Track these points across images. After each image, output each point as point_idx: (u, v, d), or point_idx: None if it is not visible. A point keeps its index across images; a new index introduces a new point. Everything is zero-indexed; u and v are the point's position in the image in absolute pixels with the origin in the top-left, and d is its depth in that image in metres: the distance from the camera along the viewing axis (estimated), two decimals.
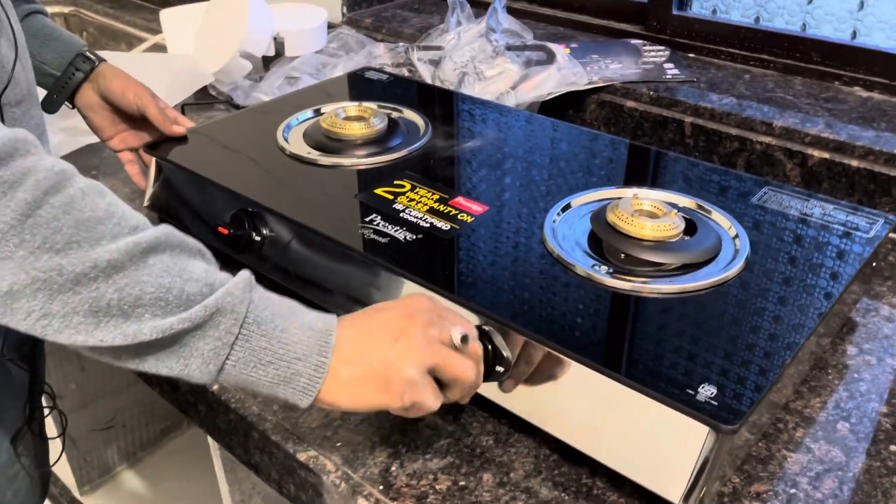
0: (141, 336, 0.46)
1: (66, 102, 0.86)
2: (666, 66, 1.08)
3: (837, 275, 0.64)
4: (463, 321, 0.56)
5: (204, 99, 1.20)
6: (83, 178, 0.48)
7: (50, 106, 0.85)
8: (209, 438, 0.78)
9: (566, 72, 1.02)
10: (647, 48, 1.14)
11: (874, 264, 0.72)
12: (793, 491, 0.56)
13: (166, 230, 0.50)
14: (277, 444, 0.60)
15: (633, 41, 1.17)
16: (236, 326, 0.49)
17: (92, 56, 0.85)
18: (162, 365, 0.48)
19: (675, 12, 1.15)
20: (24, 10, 0.82)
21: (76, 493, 1.52)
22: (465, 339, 0.54)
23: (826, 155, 0.88)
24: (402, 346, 0.51)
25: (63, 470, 1.51)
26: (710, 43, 1.13)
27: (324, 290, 0.71)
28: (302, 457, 0.58)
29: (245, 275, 0.51)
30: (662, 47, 1.14)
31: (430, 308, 0.55)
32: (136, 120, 0.87)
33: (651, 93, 1.01)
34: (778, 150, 0.91)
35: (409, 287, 0.64)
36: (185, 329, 0.47)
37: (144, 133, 0.88)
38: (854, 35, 1.04)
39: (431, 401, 0.52)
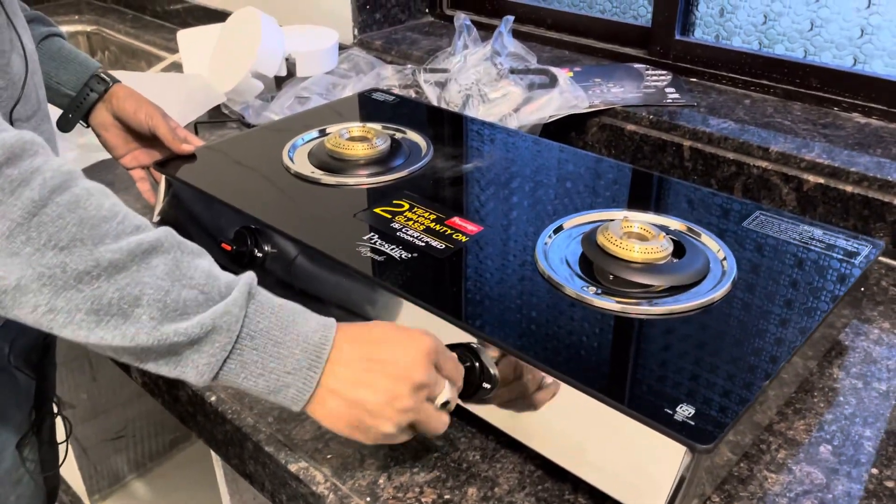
0: (138, 340, 0.48)
1: (81, 121, 0.90)
2: (667, 90, 1.10)
3: (822, 298, 0.65)
4: (455, 375, 0.58)
5: (217, 117, 1.23)
6: (89, 180, 0.50)
7: (65, 125, 0.89)
8: (213, 454, 0.80)
9: (568, 95, 1.04)
10: (649, 72, 1.16)
11: (863, 289, 0.73)
12: None
13: (168, 231, 0.52)
14: (270, 455, 0.62)
15: (636, 65, 1.19)
16: (230, 344, 0.50)
17: (106, 77, 0.89)
18: (159, 367, 0.50)
19: (677, 37, 1.17)
20: (41, 32, 0.86)
21: (86, 502, 1.55)
22: (446, 405, 0.56)
23: (821, 180, 0.90)
24: (390, 407, 0.53)
25: (74, 478, 1.53)
26: (712, 68, 1.14)
27: (323, 305, 0.73)
28: (293, 468, 0.60)
29: (246, 281, 0.53)
30: (664, 72, 1.16)
31: (429, 360, 0.55)
32: (148, 139, 0.90)
33: (651, 116, 1.03)
34: (774, 175, 0.93)
35: (404, 305, 0.66)
36: (181, 342, 0.49)
37: (155, 151, 0.91)
38: (854, 62, 1.05)
39: (400, 440, 0.57)
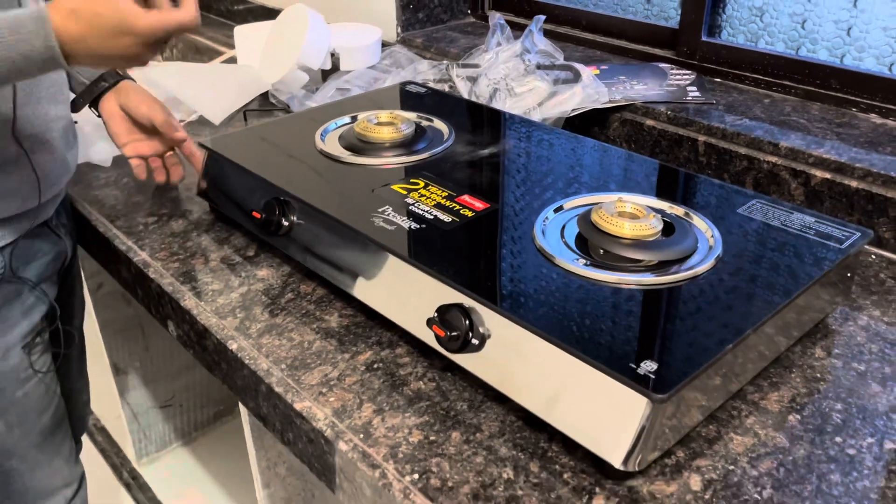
0: None
1: (92, 109, 1.00)
2: (689, 88, 1.14)
3: (799, 278, 0.69)
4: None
5: (265, 105, 1.32)
6: None
7: (75, 107, 0.99)
8: (241, 411, 0.88)
9: (590, 90, 1.09)
10: (673, 72, 1.20)
11: (850, 275, 0.76)
12: (731, 467, 0.61)
13: None
14: (279, 396, 0.69)
15: (662, 65, 1.23)
16: None
17: (120, 73, 0.99)
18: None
19: (704, 38, 1.20)
20: None
21: (135, 465, 1.66)
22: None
23: (827, 175, 0.92)
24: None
25: (124, 442, 1.65)
26: (737, 69, 1.17)
27: (340, 269, 0.80)
28: (298, 406, 0.67)
29: None
30: (688, 71, 1.20)
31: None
32: (149, 132, 1.00)
33: (669, 112, 1.07)
34: (783, 170, 0.96)
35: (408, 269, 0.72)
36: None
37: (155, 142, 1.01)
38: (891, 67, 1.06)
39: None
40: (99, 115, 1.01)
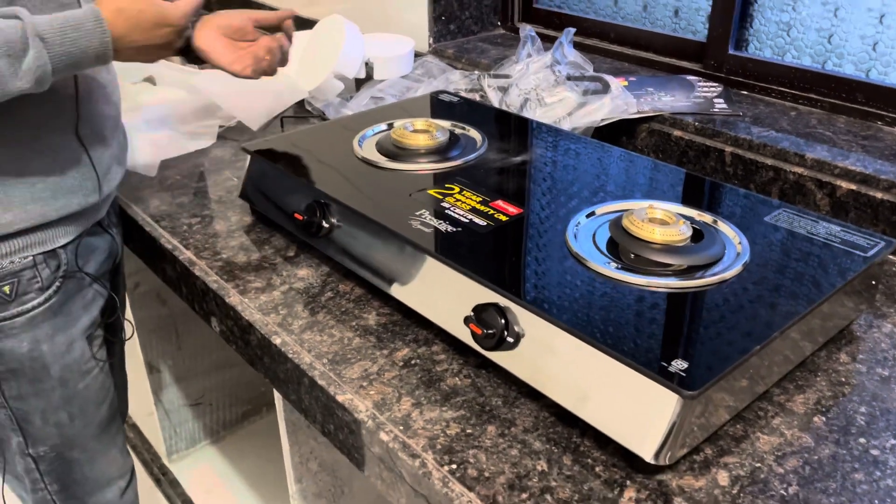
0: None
1: (182, 57, 0.98)
2: (716, 100, 1.16)
3: (823, 285, 0.71)
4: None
5: (301, 113, 1.36)
6: None
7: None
8: (277, 404, 0.92)
9: (618, 101, 1.12)
10: (701, 84, 1.22)
11: (876, 283, 0.78)
12: (758, 465, 0.63)
13: None
14: (322, 388, 0.72)
15: (690, 77, 1.25)
16: (38, 42, 0.73)
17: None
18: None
19: (731, 52, 1.23)
20: None
21: (165, 461, 1.70)
22: None
23: (853, 186, 0.94)
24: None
25: (155, 438, 1.69)
26: (763, 81, 1.20)
27: (378, 270, 0.83)
28: (340, 398, 0.70)
29: (30, 32, 0.73)
30: (716, 84, 1.22)
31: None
32: (245, 41, 0.97)
33: (696, 123, 1.10)
34: (809, 181, 0.98)
35: (445, 270, 0.75)
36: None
37: (257, 49, 0.97)
38: None
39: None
40: (187, 63, 1.04)
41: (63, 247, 0.89)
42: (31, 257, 0.86)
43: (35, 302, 0.88)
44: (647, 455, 0.61)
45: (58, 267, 0.89)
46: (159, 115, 1.24)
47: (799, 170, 0.99)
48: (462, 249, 0.77)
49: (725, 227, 0.80)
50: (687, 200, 0.86)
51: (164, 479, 1.67)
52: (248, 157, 1.01)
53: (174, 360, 1.62)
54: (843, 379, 0.73)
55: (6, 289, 0.85)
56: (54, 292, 0.89)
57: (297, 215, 0.90)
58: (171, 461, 1.70)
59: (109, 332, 1.03)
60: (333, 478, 1.06)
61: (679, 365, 0.61)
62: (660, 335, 0.64)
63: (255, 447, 1.75)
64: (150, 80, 1.37)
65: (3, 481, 1.01)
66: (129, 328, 1.09)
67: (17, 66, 0.72)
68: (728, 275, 0.72)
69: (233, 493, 1.65)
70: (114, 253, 1.00)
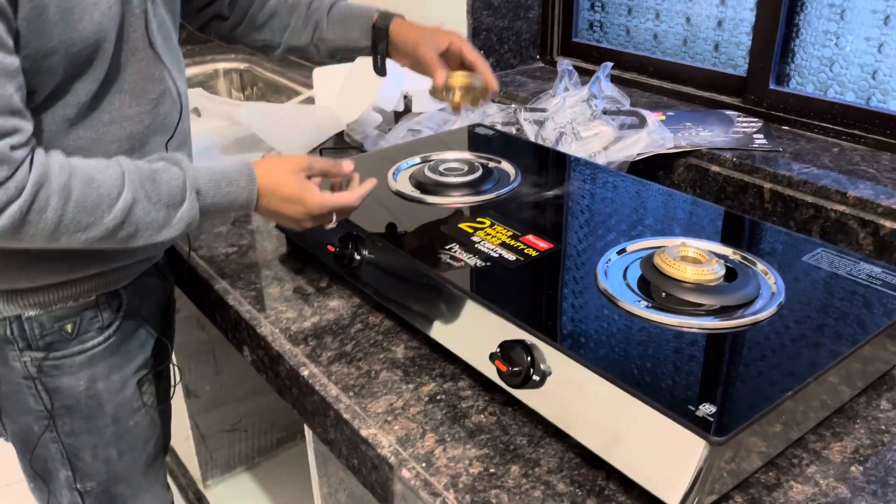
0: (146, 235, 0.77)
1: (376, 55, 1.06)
2: (755, 136, 1.14)
3: (863, 328, 0.69)
4: (327, 168, 0.87)
5: (340, 144, 1.38)
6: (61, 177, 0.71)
7: (380, 69, 1.07)
8: (307, 434, 0.92)
9: (655, 136, 1.11)
10: (740, 119, 1.21)
11: None
12: None
13: (131, 184, 0.74)
14: (347, 422, 0.72)
15: (728, 112, 1.24)
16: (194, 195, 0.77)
17: (380, 25, 1.03)
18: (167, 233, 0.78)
19: (772, 87, 1.21)
20: (326, 4, 1.06)
21: (200, 486, 1.71)
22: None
23: None
24: (298, 224, 0.85)
25: (192, 464, 1.71)
26: (805, 117, 1.18)
27: (407, 303, 0.83)
28: (364, 433, 0.70)
29: (190, 186, 0.77)
30: (756, 119, 1.21)
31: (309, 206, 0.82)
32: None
33: (734, 159, 1.08)
34: (851, 219, 0.95)
35: (471, 305, 0.75)
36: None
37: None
38: None
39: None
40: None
41: (125, 287, 0.91)
42: (94, 297, 0.88)
43: (95, 341, 0.90)
44: (674, 502, 0.59)
45: (119, 307, 0.91)
46: (203, 146, 1.27)
47: (841, 208, 0.97)
48: (490, 285, 0.76)
49: (761, 266, 0.78)
50: (723, 238, 0.85)
51: None
52: None
53: (212, 386, 1.64)
54: (884, 427, 0.70)
55: (68, 327, 0.87)
56: (114, 332, 0.91)
57: (329, 247, 0.91)
58: (206, 486, 1.71)
59: (159, 373, 1.04)
60: None
61: (707, 409, 0.59)
62: (688, 377, 0.63)
63: (289, 474, 1.76)
64: (195, 111, 1.41)
65: None
66: (177, 373, 1.10)
67: (172, 215, 0.77)
68: (762, 316, 0.70)
69: None
70: (167, 292, 1.03)
